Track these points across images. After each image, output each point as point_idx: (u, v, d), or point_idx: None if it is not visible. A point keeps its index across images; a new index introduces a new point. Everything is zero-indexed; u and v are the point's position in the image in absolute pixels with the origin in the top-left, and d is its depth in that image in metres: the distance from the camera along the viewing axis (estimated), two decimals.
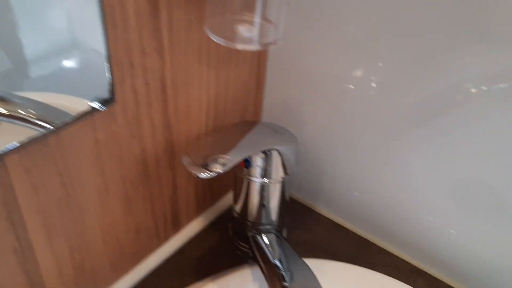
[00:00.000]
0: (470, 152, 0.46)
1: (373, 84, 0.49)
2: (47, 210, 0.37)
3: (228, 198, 0.60)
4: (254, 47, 0.39)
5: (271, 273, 0.40)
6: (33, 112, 0.33)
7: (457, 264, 0.52)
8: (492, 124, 0.44)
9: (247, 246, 0.53)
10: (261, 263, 0.44)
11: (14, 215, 0.35)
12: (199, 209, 0.56)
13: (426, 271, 0.54)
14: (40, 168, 0.35)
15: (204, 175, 0.39)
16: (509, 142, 0.44)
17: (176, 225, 0.53)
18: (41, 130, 0.33)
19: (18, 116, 0.32)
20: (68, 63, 0.33)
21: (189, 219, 0.55)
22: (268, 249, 0.46)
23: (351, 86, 0.51)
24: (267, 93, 0.56)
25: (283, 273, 0.40)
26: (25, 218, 0.36)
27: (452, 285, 0.53)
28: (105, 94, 0.36)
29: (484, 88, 0.43)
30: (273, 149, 0.45)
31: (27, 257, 0.38)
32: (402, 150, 0.50)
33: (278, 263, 0.42)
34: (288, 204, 0.53)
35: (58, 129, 0.34)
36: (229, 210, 0.59)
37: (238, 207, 0.52)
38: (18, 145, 0.32)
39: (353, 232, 0.58)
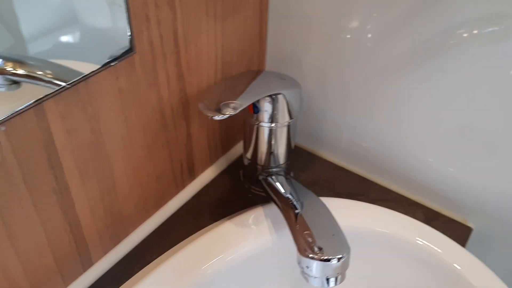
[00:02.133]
0: (464, 96, 0.50)
1: (369, 35, 0.53)
2: (80, 154, 0.41)
3: (237, 148, 0.64)
4: None
5: (284, 203, 0.45)
6: (50, 72, 0.36)
7: (454, 197, 0.57)
8: (482, 69, 0.47)
9: (258, 189, 0.58)
10: (274, 197, 0.48)
11: (53, 158, 0.39)
12: (212, 158, 0.60)
13: (424, 204, 0.58)
14: (73, 114, 0.39)
15: (218, 117, 0.43)
16: (499, 85, 0.47)
17: (192, 173, 0.57)
18: (51, 86, 0.36)
19: (36, 77, 0.35)
20: (90, 23, 0.36)
21: (203, 167, 0.59)
22: (279, 186, 0.50)
23: (348, 36, 0.54)
24: (269, 43, 0.60)
25: (295, 202, 0.44)
26: (62, 161, 0.40)
27: (448, 215, 0.57)
28: (126, 45, 0.40)
29: (475, 31, 0.47)
30: (279, 94, 0.49)
31: (65, 197, 0.42)
32: (399, 96, 0.54)
33: (289, 195, 0.46)
34: (293, 151, 0.57)
35: (87, 78, 0.38)
36: (239, 159, 0.63)
37: (248, 153, 0.56)
38: (54, 91, 0.35)
39: (354, 173, 0.62)
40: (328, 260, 0.36)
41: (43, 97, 0.35)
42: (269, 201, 0.54)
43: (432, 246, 0.50)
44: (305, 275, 0.38)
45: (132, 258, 0.51)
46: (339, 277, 0.37)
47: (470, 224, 0.56)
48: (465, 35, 0.47)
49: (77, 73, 0.37)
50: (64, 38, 0.35)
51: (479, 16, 0.45)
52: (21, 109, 0.34)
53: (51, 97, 0.36)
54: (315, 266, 0.37)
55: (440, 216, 0.57)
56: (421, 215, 0.57)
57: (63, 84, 0.36)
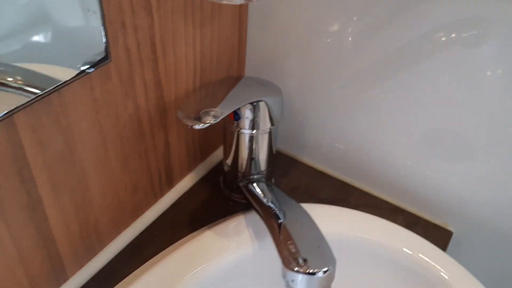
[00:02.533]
0: (440, 99, 0.50)
1: (349, 38, 0.52)
2: (53, 167, 0.39)
3: (216, 155, 0.63)
4: (238, 0, 0.41)
5: (266, 213, 0.44)
6: (20, 78, 0.34)
7: (433, 201, 0.57)
8: (458, 72, 0.47)
9: (238, 196, 0.57)
10: (256, 206, 0.47)
11: (24, 172, 0.37)
12: (191, 165, 0.58)
13: (405, 209, 0.58)
14: (45, 126, 0.37)
15: (198, 126, 0.42)
16: (474, 87, 0.47)
17: (170, 181, 0.56)
18: (30, 95, 0.34)
19: (5, 83, 0.33)
20: (63, 28, 0.35)
21: (182, 175, 0.58)
22: (260, 194, 0.49)
23: (328, 40, 0.53)
24: (249, 49, 0.59)
25: (277, 211, 0.43)
26: (34, 175, 0.38)
27: (429, 219, 0.57)
28: (101, 53, 0.38)
29: (454, 35, 0.47)
30: (260, 101, 0.48)
31: (38, 212, 0.40)
32: (377, 100, 0.54)
33: (271, 204, 0.45)
34: (274, 156, 0.56)
35: (59, 88, 0.36)
36: (219, 165, 0.62)
37: (229, 160, 0.55)
38: (25, 102, 0.34)
39: (336, 178, 0.62)
40: (314, 273, 0.36)
41: (13, 109, 0.33)
42: (250, 208, 0.53)
43: (414, 252, 0.50)
44: None
45: (108, 272, 0.49)
46: None
47: (450, 228, 0.57)
48: (443, 39, 0.47)
49: (49, 78, 0.35)
50: (36, 41, 0.34)
51: (457, 20, 0.45)
52: None
53: (22, 109, 0.34)
54: (300, 280, 0.36)
55: (421, 220, 0.57)
56: (402, 220, 0.57)
57: (34, 90, 0.34)
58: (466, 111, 0.49)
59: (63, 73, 0.36)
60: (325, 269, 0.36)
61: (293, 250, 0.38)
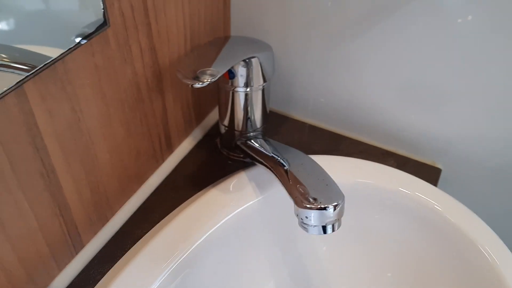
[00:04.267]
0: (417, 49, 0.52)
1: None
2: (63, 135, 0.40)
3: (211, 118, 0.64)
4: None
5: (271, 162, 0.46)
6: (16, 56, 0.35)
7: (421, 142, 0.60)
8: (433, 20, 0.50)
9: (237, 155, 0.58)
10: (259, 159, 0.49)
11: (37, 141, 0.38)
12: (188, 129, 0.60)
13: (394, 152, 0.62)
14: (53, 95, 0.38)
15: (198, 85, 0.43)
16: (449, 36, 0.50)
17: (170, 146, 0.57)
18: (23, 73, 0.34)
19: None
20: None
21: (180, 139, 0.59)
22: (261, 147, 0.51)
23: None
24: (233, 9, 0.60)
25: (281, 160, 0.45)
26: (46, 143, 0.39)
27: (418, 159, 0.61)
28: (100, 19, 0.39)
29: None
30: (253, 57, 0.49)
31: (52, 180, 0.41)
32: (358, 53, 0.56)
33: (274, 155, 0.47)
34: (268, 114, 0.58)
35: (64, 56, 0.37)
36: (214, 127, 0.64)
37: (225, 121, 0.56)
38: (33, 70, 0.34)
39: (326, 130, 0.65)
40: (325, 208, 0.38)
41: (23, 79, 0.34)
42: (249, 165, 0.56)
43: (409, 190, 0.53)
44: (304, 225, 0.40)
45: (122, 236, 0.51)
46: (336, 224, 0.39)
47: (439, 166, 0.60)
48: None
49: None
50: (36, 14, 0.34)
51: None
52: (2, 93, 0.33)
53: (31, 77, 0.35)
54: (313, 216, 0.39)
55: (410, 161, 0.60)
56: (393, 162, 0.60)
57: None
58: (442, 58, 0.52)
59: (65, 42, 0.37)
60: (335, 203, 0.38)
61: (303, 191, 0.40)
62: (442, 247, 0.51)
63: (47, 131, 0.39)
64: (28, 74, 0.34)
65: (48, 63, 0.35)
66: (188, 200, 0.54)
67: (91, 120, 0.43)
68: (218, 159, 0.60)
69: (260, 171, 0.54)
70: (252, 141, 0.55)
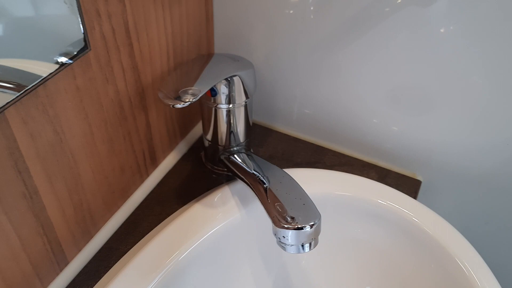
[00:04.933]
0: (398, 58, 0.53)
1: (311, 7, 0.55)
2: (45, 157, 0.41)
3: (195, 131, 0.65)
4: None
5: (252, 180, 0.47)
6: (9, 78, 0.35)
7: (401, 154, 0.61)
8: (416, 31, 0.51)
9: (221, 169, 0.59)
10: (240, 175, 0.50)
11: (19, 163, 0.39)
12: (172, 144, 0.61)
13: (376, 164, 0.63)
14: (34, 118, 0.38)
15: (179, 105, 0.44)
16: (431, 46, 0.51)
17: (154, 161, 0.58)
18: (10, 92, 0.35)
19: None
20: (41, 22, 0.36)
21: (165, 154, 0.60)
22: (243, 164, 0.52)
23: (291, 11, 0.56)
24: (216, 26, 0.61)
25: (262, 177, 0.46)
26: (28, 165, 0.40)
27: (398, 171, 0.62)
28: (80, 43, 0.39)
29: None
30: (234, 76, 0.50)
31: (35, 201, 0.42)
32: (340, 65, 0.57)
33: (255, 171, 0.48)
34: (251, 128, 0.59)
35: (45, 81, 0.37)
36: (199, 141, 0.65)
37: (208, 135, 0.57)
38: (14, 96, 0.35)
39: (309, 142, 0.66)
40: (302, 228, 0.39)
41: (4, 105, 0.35)
42: (233, 179, 0.56)
43: (389, 202, 0.54)
44: (281, 245, 0.41)
45: (107, 252, 0.52)
46: (312, 242, 0.40)
47: (419, 178, 0.61)
48: (398, 1, 0.50)
49: (32, 74, 0.36)
50: (15, 36, 0.35)
51: None
52: None
53: (12, 104, 0.35)
54: (290, 235, 0.40)
55: (391, 173, 0.62)
56: (374, 174, 0.61)
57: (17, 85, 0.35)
58: (423, 68, 0.53)
59: (46, 67, 0.37)
60: (312, 223, 0.39)
61: (281, 210, 0.41)
62: (422, 259, 0.52)
63: (29, 154, 0.39)
64: (9, 100, 0.35)
65: (29, 89, 0.36)
66: (172, 215, 0.55)
67: (74, 140, 0.44)
68: (203, 172, 0.60)
69: (243, 186, 0.55)
70: (236, 156, 0.55)
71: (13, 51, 0.35)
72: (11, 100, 0.35)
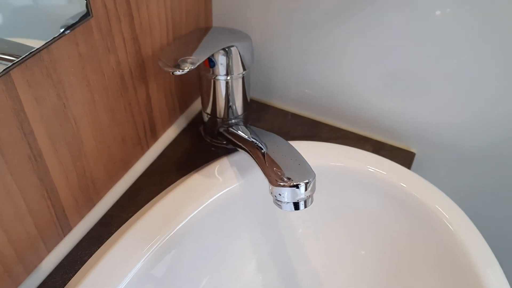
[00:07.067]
0: (395, 40, 0.55)
1: None
2: (49, 121, 0.43)
3: (194, 107, 0.66)
4: None
5: (250, 146, 0.48)
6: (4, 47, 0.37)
7: (396, 128, 0.63)
8: (412, 13, 0.52)
9: (219, 142, 0.61)
10: (239, 143, 0.52)
11: (25, 126, 0.40)
12: (172, 118, 0.62)
13: (371, 137, 0.64)
14: (39, 82, 0.40)
15: (178, 72, 0.46)
16: (427, 28, 0.52)
17: (154, 134, 0.60)
18: (6, 63, 0.36)
19: None
20: None
21: (165, 127, 0.61)
22: (241, 133, 0.53)
23: None
24: (214, 3, 0.62)
25: (260, 144, 0.48)
26: (33, 128, 0.41)
27: (393, 144, 0.63)
28: (83, 10, 0.41)
29: None
30: (232, 46, 0.51)
31: (39, 164, 0.43)
32: (338, 44, 0.58)
33: (253, 139, 0.50)
34: (249, 103, 0.60)
35: (49, 44, 0.39)
36: (197, 117, 0.66)
37: (208, 109, 0.59)
38: (20, 58, 0.36)
39: (306, 118, 0.67)
40: (297, 186, 0.41)
41: (10, 66, 0.36)
42: (231, 151, 0.58)
43: (381, 171, 0.55)
44: (278, 203, 0.42)
45: (108, 219, 0.53)
46: (308, 200, 0.42)
47: (413, 150, 0.63)
48: None
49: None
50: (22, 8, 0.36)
51: None
52: None
53: (17, 65, 0.37)
54: (286, 193, 0.41)
55: (386, 146, 0.63)
56: (370, 147, 0.63)
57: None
58: (417, 48, 0.54)
59: (50, 30, 0.39)
60: (306, 181, 0.41)
61: (278, 172, 0.42)
62: (413, 224, 0.54)
63: (34, 117, 0.41)
64: (15, 61, 0.36)
65: (34, 51, 0.38)
66: (173, 184, 0.56)
67: (76, 107, 0.45)
68: (202, 146, 0.62)
69: (242, 157, 0.57)
70: (234, 127, 0.57)
71: (18, 27, 0.36)
72: (17, 61, 0.36)
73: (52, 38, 0.39)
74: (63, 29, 0.40)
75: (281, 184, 0.41)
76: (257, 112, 0.68)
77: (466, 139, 0.60)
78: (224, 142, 0.60)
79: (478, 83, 0.54)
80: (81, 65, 0.44)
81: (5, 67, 0.36)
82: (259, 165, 0.45)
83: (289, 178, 0.41)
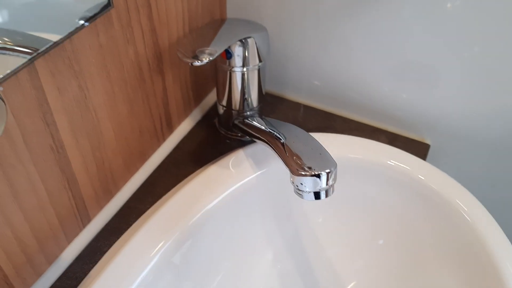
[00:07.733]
0: (406, 31, 0.55)
1: None
2: (71, 112, 0.43)
3: (209, 99, 0.67)
4: None
5: (269, 137, 0.49)
6: (19, 40, 0.37)
7: (410, 119, 0.63)
8: (422, 4, 0.52)
9: (235, 134, 0.61)
10: (257, 134, 0.52)
11: (47, 116, 0.40)
12: (187, 110, 0.62)
13: (385, 129, 0.64)
14: (61, 72, 0.40)
15: (198, 63, 0.46)
16: (437, 20, 0.52)
17: (170, 126, 0.60)
18: (27, 56, 0.36)
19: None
20: None
21: (180, 120, 0.62)
22: (258, 124, 0.54)
23: None
24: None
25: (278, 134, 0.48)
26: (56, 119, 0.41)
27: (408, 136, 0.63)
28: (104, 0, 0.41)
29: None
30: (249, 37, 0.52)
31: (61, 154, 0.43)
32: (350, 35, 0.59)
33: (270, 130, 0.50)
34: (264, 95, 0.60)
35: (72, 35, 0.39)
36: (212, 109, 0.66)
37: (223, 101, 0.59)
38: (44, 48, 0.37)
39: (321, 110, 0.67)
40: (318, 175, 0.41)
41: (35, 55, 0.36)
42: (246, 143, 0.58)
43: (400, 164, 0.55)
44: (299, 192, 0.42)
45: (127, 211, 0.53)
46: (329, 190, 0.42)
47: (427, 141, 0.63)
48: None
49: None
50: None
51: None
52: (16, 69, 0.35)
53: (42, 55, 0.37)
54: (307, 182, 0.41)
55: (400, 137, 0.63)
56: (384, 139, 0.63)
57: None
58: (431, 40, 0.54)
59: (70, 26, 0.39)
60: (328, 170, 0.41)
61: (299, 161, 0.43)
62: (430, 214, 0.54)
63: (56, 107, 0.41)
64: (39, 51, 0.37)
65: (58, 41, 0.38)
66: (189, 176, 0.57)
67: (97, 98, 0.45)
68: (217, 138, 0.62)
69: (257, 149, 0.57)
70: (249, 119, 0.57)
71: (37, 21, 0.36)
72: (41, 51, 0.37)
73: (74, 28, 0.39)
74: (83, 21, 0.40)
75: (303, 173, 0.41)
76: (271, 104, 0.68)
77: (480, 130, 0.60)
78: (239, 135, 0.60)
79: (492, 74, 0.54)
80: (102, 56, 0.44)
81: (21, 60, 0.36)
82: (279, 155, 0.45)
83: (310, 168, 0.42)
